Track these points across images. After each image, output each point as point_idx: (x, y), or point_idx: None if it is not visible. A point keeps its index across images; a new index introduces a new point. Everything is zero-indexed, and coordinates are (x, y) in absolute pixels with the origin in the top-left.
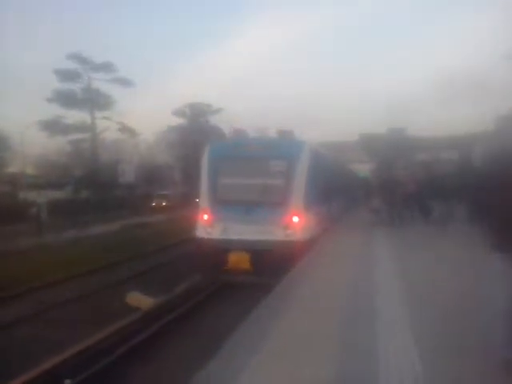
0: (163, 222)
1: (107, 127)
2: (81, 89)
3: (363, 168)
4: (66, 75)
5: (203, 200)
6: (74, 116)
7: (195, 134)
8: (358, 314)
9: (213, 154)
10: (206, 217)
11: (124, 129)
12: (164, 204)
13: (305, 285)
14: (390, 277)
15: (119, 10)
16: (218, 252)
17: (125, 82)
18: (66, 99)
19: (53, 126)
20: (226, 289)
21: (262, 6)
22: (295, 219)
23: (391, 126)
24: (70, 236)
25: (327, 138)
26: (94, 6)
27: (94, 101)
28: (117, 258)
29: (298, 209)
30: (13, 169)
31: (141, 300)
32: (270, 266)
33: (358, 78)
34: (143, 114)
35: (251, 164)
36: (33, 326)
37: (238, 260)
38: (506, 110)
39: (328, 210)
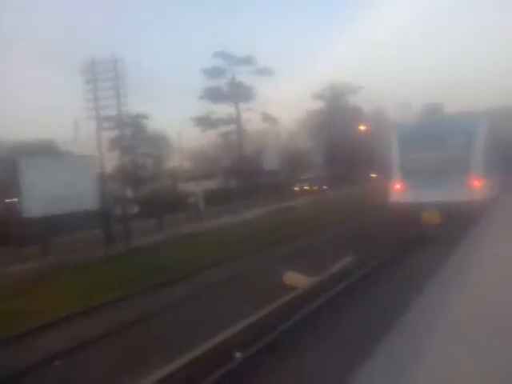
0: (307, 205)
1: (250, 118)
2: (226, 84)
3: None
4: (212, 72)
5: (395, 173)
6: (222, 110)
7: (336, 117)
8: None
9: (400, 135)
10: (398, 186)
11: (266, 118)
12: (306, 188)
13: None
14: None
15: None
16: (410, 212)
17: (265, 72)
18: (214, 95)
19: (204, 122)
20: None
21: None
22: (476, 183)
23: None
24: (226, 222)
25: (485, 103)
26: (232, 3)
27: (238, 94)
28: (272, 238)
29: (477, 175)
30: (172, 163)
31: (297, 279)
32: (457, 221)
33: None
34: (283, 101)
35: (435, 140)
36: (205, 302)
37: (430, 217)
38: None
39: (501, 176)
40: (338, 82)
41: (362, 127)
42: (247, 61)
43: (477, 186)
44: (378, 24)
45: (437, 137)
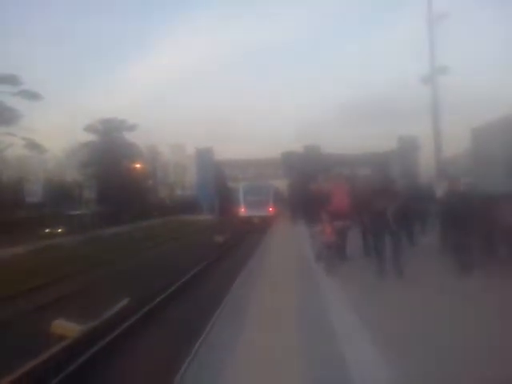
0: (77, 243)
1: (11, 143)
2: None
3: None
4: None
5: (241, 204)
6: None
7: (110, 151)
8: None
9: (244, 189)
10: (242, 209)
11: (30, 145)
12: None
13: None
14: None
15: (26, 18)
16: (247, 219)
17: (31, 96)
18: None
19: None
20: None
21: (181, 22)
22: (271, 208)
23: (306, 144)
24: None
25: (251, 154)
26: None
27: None
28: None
29: (271, 205)
30: None
31: (68, 327)
32: (264, 222)
33: (275, 97)
34: (52, 129)
35: (257, 192)
36: None
37: (256, 221)
38: (406, 130)
39: (277, 206)
40: (112, 117)
41: (137, 165)
42: (9, 80)
43: (271, 209)
44: (158, 62)
45: (258, 191)
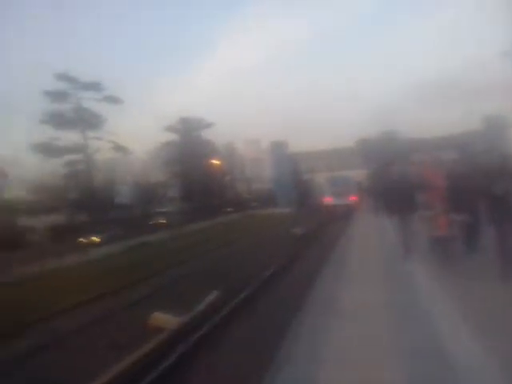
0: (167, 241)
1: (99, 147)
2: (71, 109)
3: (360, 173)
4: (55, 96)
5: (326, 194)
6: (67, 137)
7: (189, 150)
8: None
9: (329, 181)
10: (328, 198)
11: (116, 148)
12: (162, 222)
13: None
14: None
15: (103, 25)
16: (332, 207)
17: (113, 100)
18: (58, 120)
19: (46, 149)
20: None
21: (248, 19)
22: (353, 197)
23: (382, 130)
24: (70, 262)
25: (324, 145)
26: (77, 26)
27: (85, 121)
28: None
29: (354, 194)
30: (9, 195)
31: (165, 320)
32: (349, 211)
33: (344, 83)
34: (134, 131)
35: (340, 183)
36: None
37: (340, 209)
38: (492, 109)
39: (359, 196)
40: (190, 116)
41: (216, 161)
42: (94, 87)
43: (354, 198)
44: (226, 61)
45: (340, 182)
